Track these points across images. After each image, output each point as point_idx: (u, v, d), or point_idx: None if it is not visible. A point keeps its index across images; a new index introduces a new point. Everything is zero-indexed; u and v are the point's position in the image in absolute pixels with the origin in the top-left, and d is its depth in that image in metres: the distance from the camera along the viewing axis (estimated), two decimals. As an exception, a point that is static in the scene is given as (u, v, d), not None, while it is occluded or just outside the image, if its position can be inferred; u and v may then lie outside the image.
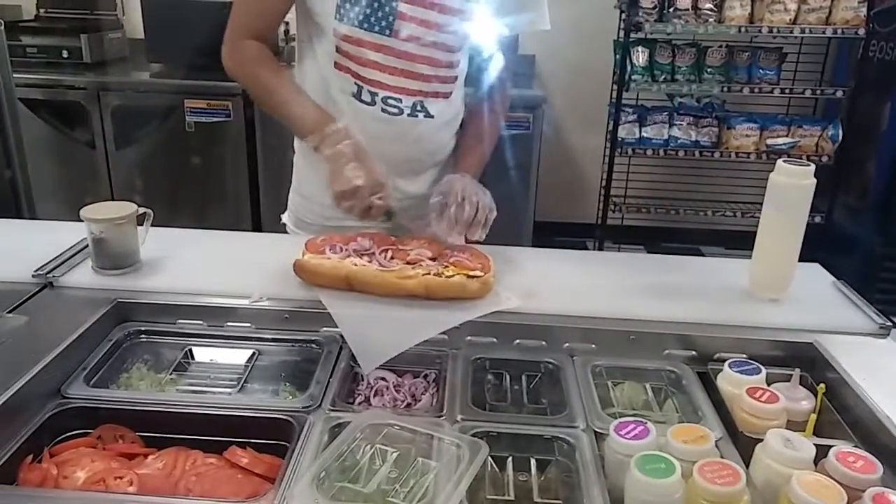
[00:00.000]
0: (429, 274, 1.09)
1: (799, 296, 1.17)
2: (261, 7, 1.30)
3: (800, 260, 1.15)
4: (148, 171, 3.09)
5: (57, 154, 3.09)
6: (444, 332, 1.06)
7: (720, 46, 3.23)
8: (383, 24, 1.23)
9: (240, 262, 1.24)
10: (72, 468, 0.83)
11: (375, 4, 1.22)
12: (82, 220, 1.14)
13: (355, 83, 1.28)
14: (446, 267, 1.12)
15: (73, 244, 1.25)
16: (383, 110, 1.29)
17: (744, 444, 0.86)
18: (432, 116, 1.33)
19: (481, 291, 1.11)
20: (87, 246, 1.19)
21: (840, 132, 3.21)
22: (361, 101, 1.29)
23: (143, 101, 3.04)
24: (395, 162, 1.34)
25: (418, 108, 1.31)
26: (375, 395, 1.01)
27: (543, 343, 1.08)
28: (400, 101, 1.29)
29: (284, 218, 1.53)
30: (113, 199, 1.19)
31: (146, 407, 0.93)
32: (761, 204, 1.14)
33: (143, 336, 1.09)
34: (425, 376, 1.05)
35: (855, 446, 0.85)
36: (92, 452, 0.87)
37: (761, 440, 0.82)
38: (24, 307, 1.08)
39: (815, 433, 0.90)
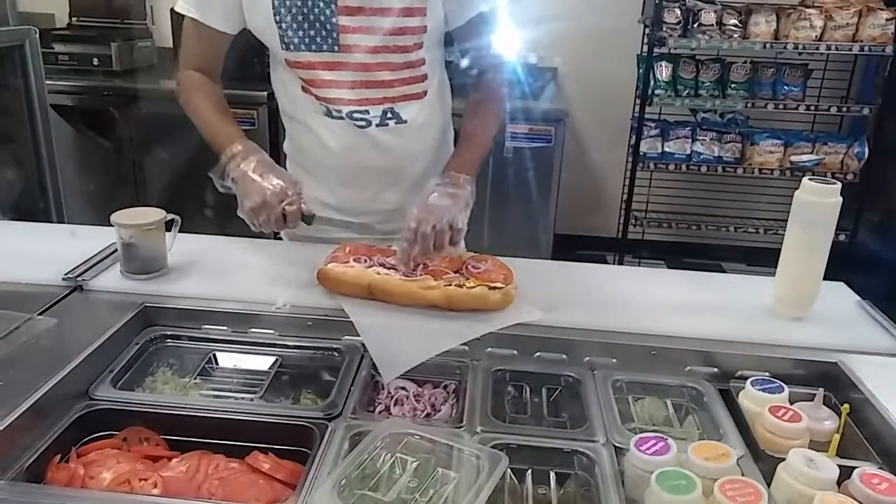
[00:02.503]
0: (451, 285, 1.10)
1: (823, 315, 1.16)
2: (196, 47, 1.36)
3: (824, 278, 1.14)
4: (174, 177, 3.13)
5: (85, 159, 3.14)
6: (464, 344, 1.06)
7: (745, 62, 3.21)
8: (329, 41, 1.22)
9: (264, 270, 1.26)
10: (98, 469, 0.85)
11: (317, 25, 1.21)
12: (111, 225, 1.17)
13: (320, 104, 1.29)
14: (468, 278, 1.12)
15: (102, 248, 1.27)
16: (354, 125, 1.30)
17: (766, 463, 0.85)
18: (405, 121, 1.32)
19: (503, 303, 1.11)
20: (116, 250, 1.21)
21: (866, 150, 3.18)
22: (333, 117, 1.30)
23: (170, 108, 3.05)
24: (374, 172, 1.35)
25: (388, 115, 1.30)
26: (396, 404, 1.02)
27: (564, 356, 1.08)
28: (367, 112, 1.29)
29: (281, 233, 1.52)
30: (139, 205, 1.21)
31: (171, 410, 0.94)
32: (784, 221, 1.13)
33: (168, 340, 1.11)
34: (445, 387, 1.06)
35: (879, 468, 0.84)
36: (118, 454, 0.88)
37: (783, 459, 0.81)
38: (54, 309, 1.10)
39: (839, 454, 0.89)
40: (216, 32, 1.30)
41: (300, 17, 1.22)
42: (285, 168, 1.47)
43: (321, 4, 1.21)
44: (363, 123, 1.30)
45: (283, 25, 1.23)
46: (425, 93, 1.33)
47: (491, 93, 1.38)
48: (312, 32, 1.22)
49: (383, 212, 1.39)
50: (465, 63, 1.36)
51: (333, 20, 1.21)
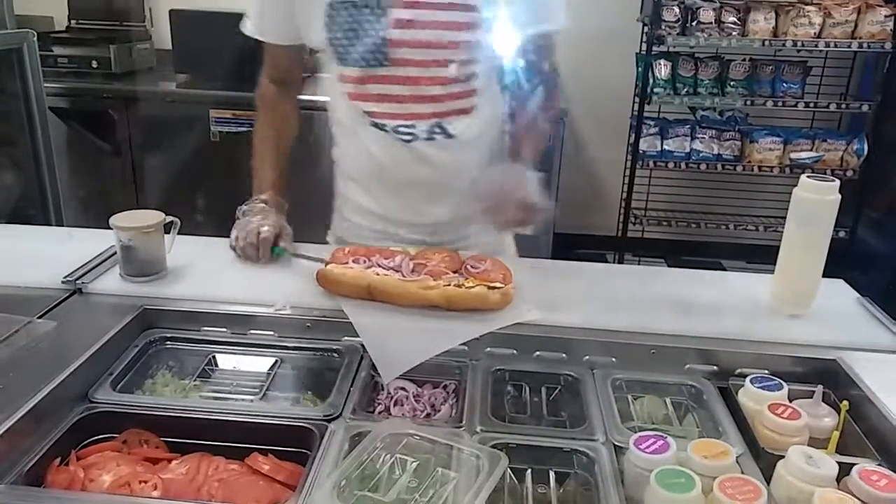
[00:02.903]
0: (450, 285, 1.10)
1: (822, 312, 1.16)
2: (269, 59, 1.43)
3: (824, 275, 1.14)
4: (173, 179, 3.13)
5: (84, 162, 3.14)
6: (464, 343, 1.06)
7: (743, 60, 3.22)
8: (378, 55, 1.21)
9: (263, 271, 1.26)
10: (98, 471, 0.85)
11: (367, 39, 1.20)
12: (110, 228, 1.17)
13: (369, 119, 1.28)
14: (467, 278, 1.13)
15: (101, 251, 1.27)
16: (399, 140, 1.28)
17: (765, 461, 0.85)
18: (453, 136, 1.29)
19: (502, 303, 1.11)
20: (115, 253, 1.21)
21: (865, 146, 3.18)
22: (378, 128, 1.29)
23: (169, 110, 3.08)
24: (421, 185, 1.33)
25: (436, 129, 1.28)
26: (395, 404, 1.02)
27: (563, 355, 1.08)
28: (413, 126, 1.27)
29: (328, 238, 1.55)
30: (138, 207, 1.22)
31: (170, 412, 0.94)
32: (784, 218, 1.13)
33: (168, 343, 1.11)
34: (445, 387, 1.06)
35: (878, 464, 0.84)
36: (117, 456, 0.88)
37: (783, 457, 0.81)
38: (54, 313, 1.10)
39: (838, 451, 0.89)
40: (281, 48, 1.37)
41: (351, 32, 1.21)
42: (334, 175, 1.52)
43: (371, 18, 1.20)
44: (409, 138, 1.28)
45: (335, 40, 1.23)
46: (475, 107, 1.30)
47: (540, 99, 1.37)
48: (362, 48, 1.21)
49: (431, 224, 1.37)
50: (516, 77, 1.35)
51: (382, 34, 1.20)
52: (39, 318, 1.07)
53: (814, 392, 0.96)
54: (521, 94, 1.35)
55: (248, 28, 1.38)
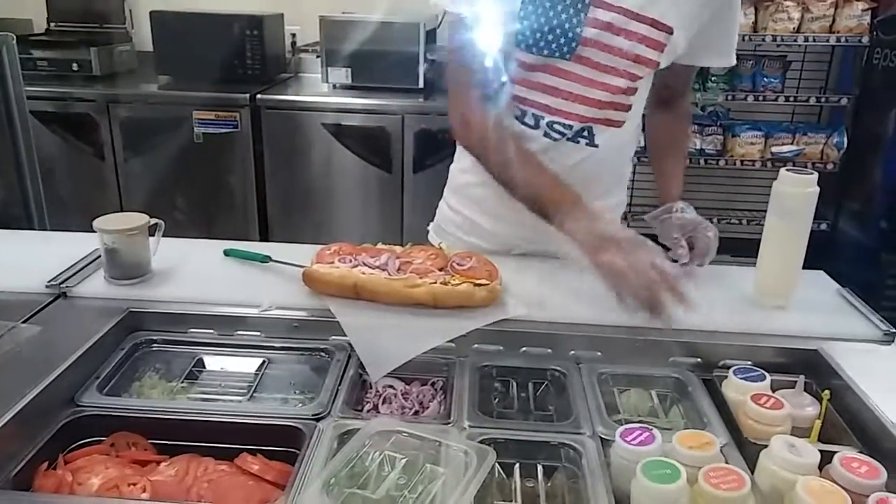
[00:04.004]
0: (436, 283, 1.10)
1: (804, 303, 1.18)
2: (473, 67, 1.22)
3: (805, 267, 1.16)
4: (157, 181, 3.11)
5: (67, 165, 3.11)
6: (451, 340, 1.07)
7: (724, 55, 3.24)
8: (564, 49, 1.18)
9: (249, 272, 1.26)
10: (86, 475, 0.85)
11: (558, 30, 1.17)
12: (94, 231, 1.16)
13: (518, 107, 1.25)
14: (453, 276, 1.13)
15: (85, 255, 1.26)
16: (546, 134, 1.25)
17: (749, 451, 0.87)
18: (596, 146, 1.27)
19: (488, 299, 1.12)
20: (99, 256, 1.21)
21: (845, 139, 3.21)
22: (524, 123, 1.26)
23: (151, 112, 3.06)
24: None
25: (584, 134, 1.26)
26: (384, 402, 1.02)
27: (549, 350, 1.09)
28: (570, 127, 1.25)
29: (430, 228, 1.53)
30: (122, 210, 1.21)
31: (158, 415, 0.94)
32: (766, 211, 1.15)
33: (154, 345, 1.10)
34: (433, 384, 1.06)
35: (860, 452, 0.85)
36: (105, 459, 0.88)
37: (766, 446, 0.83)
38: (38, 317, 1.09)
39: (820, 439, 0.91)
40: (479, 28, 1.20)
41: (543, 19, 1.18)
42: (447, 185, 1.47)
43: (571, 11, 1.17)
44: (558, 136, 1.26)
45: (525, 23, 1.18)
46: (623, 123, 1.29)
47: (683, 118, 1.44)
48: (551, 37, 1.18)
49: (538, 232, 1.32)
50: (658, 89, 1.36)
51: (577, 29, 1.17)
52: (24, 322, 1.06)
53: (796, 382, 0.98)
54: (666, 119, 1.41)
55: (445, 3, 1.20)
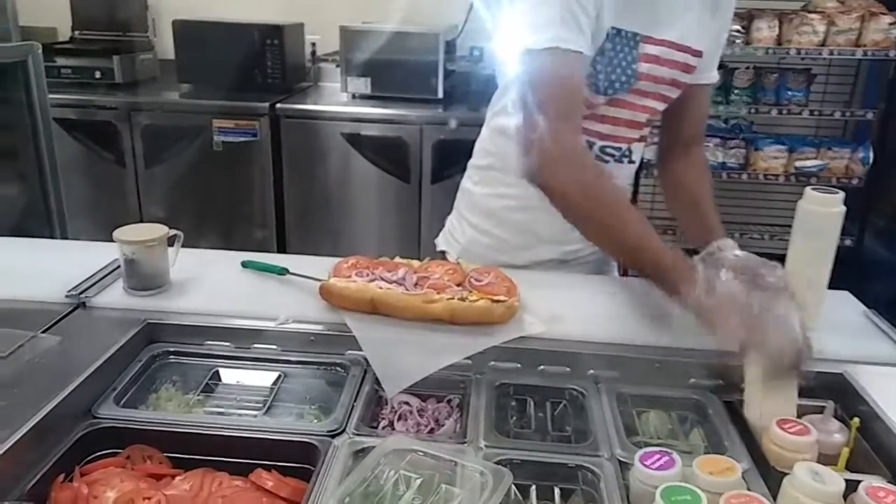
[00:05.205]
0: (453, 298, 1.10)
1: (828, 325, 1.15)
2: (576, 93, 1.16)
3: (830, 285, 1.14)
4: (176, 189, 3.14)
5: (88, 172, 3.15)
6: (468, 357, 1.06)
7: (747, 68, 3.21)
8: (625, 85, 1.21)
9: (266, 284, 1.26)
10: (102, 488, 0.85)
11: (619, 69, 1.20)
12: (114, 241, 1.17)
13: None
14: (471, 291, 1.12)
15: (105, 265, 1.27)
16: (597, 157, 1.30)
17: (772, 478, 0.85)
18: (633, 162, 1.36)
19: (506, 316, 1.11)
20: (118, 267, 1.21)
21: (871, 154, 3.17)
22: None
23: (172, 120, 3.10)
24: None
25: (626, 153, 1.34)
26: (399, 419, 1.01)
27: (568, 369, 1.07)
28: (619, 149, 1.32)
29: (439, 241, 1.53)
30: (142, 217, 1.22)
31: (174, 428, 0.94)
32: (790, 226, 1.12)
33: (171, 357, 1.11)
34: (449, 401, 1.05)
35: (889, 481, 0.83)
36: (121, 472, 0.88)
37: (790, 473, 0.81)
38: (58, 327, 1.10)
39: (849, 468, 0.88)
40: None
41: (605, 60, 1.19)
42: (465, 199, 1.46)
43: (626, 49, 1.19)
44: (608, 159, 1.31)
45: (591, 67, 1.19)
46: (644, 138, 1.36)
47: (702, 158, 1.43)
48: (613, 77, 1.20)
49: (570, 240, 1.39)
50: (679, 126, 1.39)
51: (634, 66, 1.20)
52: (43, 332, 1.07)
53: (823, 407, 0.95)
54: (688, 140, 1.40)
55: (556, 40, 1.10)
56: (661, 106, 1.30)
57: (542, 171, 1.12)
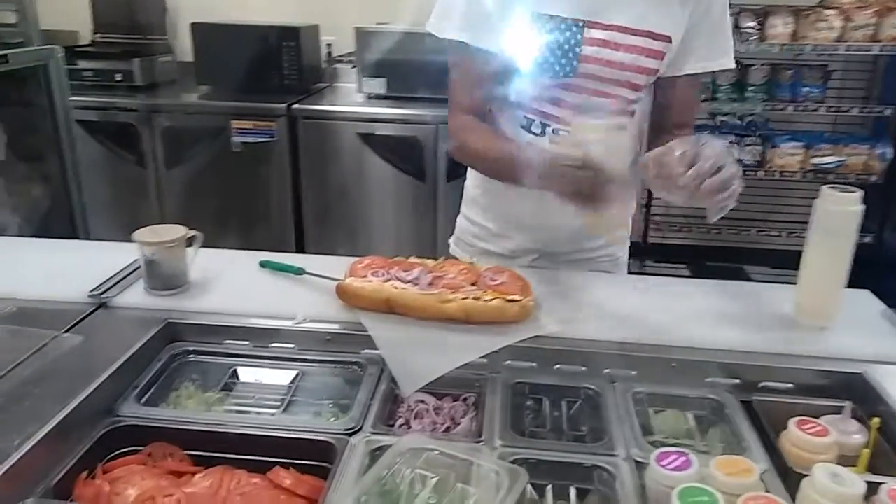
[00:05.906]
0: (468, 298, 1.10)
1: (847, 324, 1.14)
2: (468, 84, 1.33)
3: (849, 281, 1.13)
4: (196, 190, 3.17)
5: (109, 174, 3.19)
6: (483, 356, 1.06)
7: (762, 64, 3.18)
8: (567, 68, 1.23)
9: (284, 284, 1.27)
10: (124, 485, 0.86)
11: (558, 52, 1.22)
12: (135, 242, 1.19)
13: (525, 116, 1.30)
14: (485, 291, 1.13)
15: (126, 265, 1.29)
16: (552, 141, 1.29)
17: (791, 479, 0.84)
18: None
19: (520, 316, 1.11)
20: (139, 267, 1.23)
21: (890, 150, 3.13)
22: (530, 132, 1.30)
23: (191, 122, 3.13)
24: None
25: None
26: (416, 417, 1.02)
27: (583, 368, 1.08)
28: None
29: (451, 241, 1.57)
30: (162, 217, 1.24)
31: (194, 426, 0.95)
32: (807, 223, 1.12)
33: (191, 356, 1.12)
34: (465, 400, 1.06)
35: (908, 483, 0.82)
36: (143, 470, 0.89)
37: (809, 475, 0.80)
38: (80, 326, 1.12)
39: (869, 469, 0.88)
40: (485, 59, 1.26)
41: (541, 44, 1.22)
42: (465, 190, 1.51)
43: (567, 34, 1.21)
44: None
45: (525, 48, 1.23)
46: (627, 126, 1.31)
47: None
48: (552, 59, 1.22)
49: (552, 228, 1.40)
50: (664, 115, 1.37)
51: (577, 49, 1.22)
52: (66, 332, 1.09)
53: (841, 407, 0.95)
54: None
55: (447, 29, 1.27)
56: (631, 94, 1.27)
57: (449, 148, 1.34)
